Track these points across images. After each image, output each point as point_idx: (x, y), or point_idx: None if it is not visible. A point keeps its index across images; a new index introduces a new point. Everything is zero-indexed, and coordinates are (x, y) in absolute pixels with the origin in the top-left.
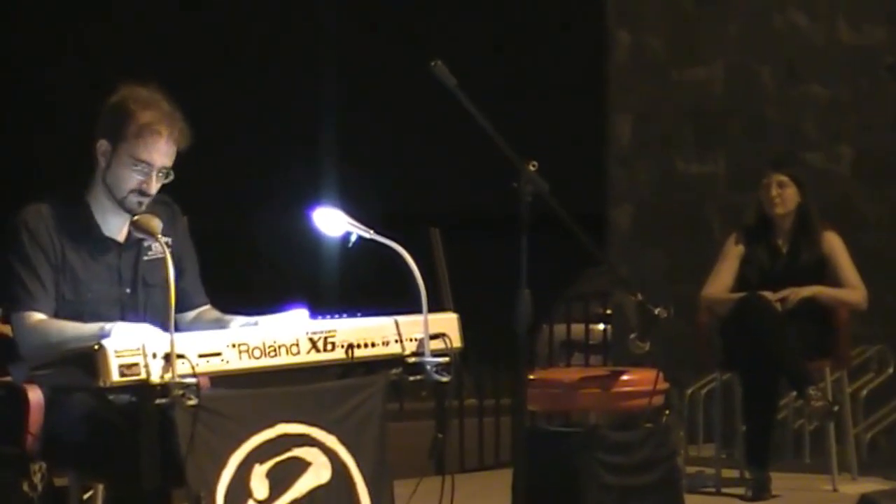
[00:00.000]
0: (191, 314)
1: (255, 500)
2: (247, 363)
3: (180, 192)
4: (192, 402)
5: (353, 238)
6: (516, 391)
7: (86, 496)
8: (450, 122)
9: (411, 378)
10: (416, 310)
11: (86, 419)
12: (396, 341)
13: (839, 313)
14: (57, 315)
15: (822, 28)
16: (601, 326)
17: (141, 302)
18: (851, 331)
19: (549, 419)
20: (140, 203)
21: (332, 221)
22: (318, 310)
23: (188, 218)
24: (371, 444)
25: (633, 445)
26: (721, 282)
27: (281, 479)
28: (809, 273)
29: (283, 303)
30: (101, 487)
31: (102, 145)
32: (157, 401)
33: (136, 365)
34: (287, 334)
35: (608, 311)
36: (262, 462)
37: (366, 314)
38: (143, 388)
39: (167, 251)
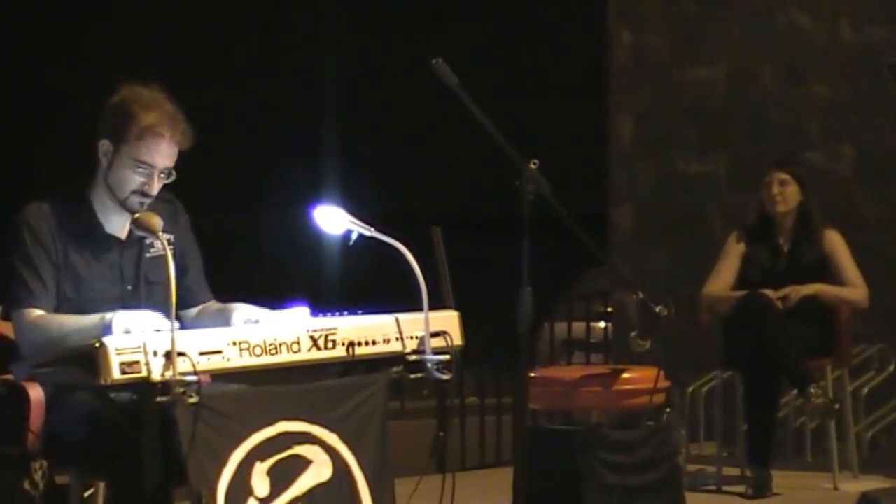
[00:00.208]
0: (194, 310)
1: (256, 497)
2: (248, 361)
3: (181, 191)
4: (193, 399)
5: (354, 236)
6: (517, 389)
7: (86, 494)
8: (451, 121)
9: (412, 376)
10: (416, 307)
11: (87, 417)
12: (397, 339)
13: (840, 312)
14: (58, 313)
15: (824, 28)
16: (602, 325)
17: (143, 299)
18: (852, 329)
19: (551, 417)
20: (142, 203)
21: (332, 219)
22: (319, 307)
23: (189, 216)
24: (372, 442)
25: (634, 444)
26: (722, 280)
27: (282, 476)
28: (810, 271)
29: (284, 301)
30: (101, 485)
31: (104, 145)
32: (158, 399)
33: (136, 363)
34: (288, 332)
35: (609, 310)
36: (263, 460)
37: (367, 312)
38: (144, 386)
39: (168, 248)
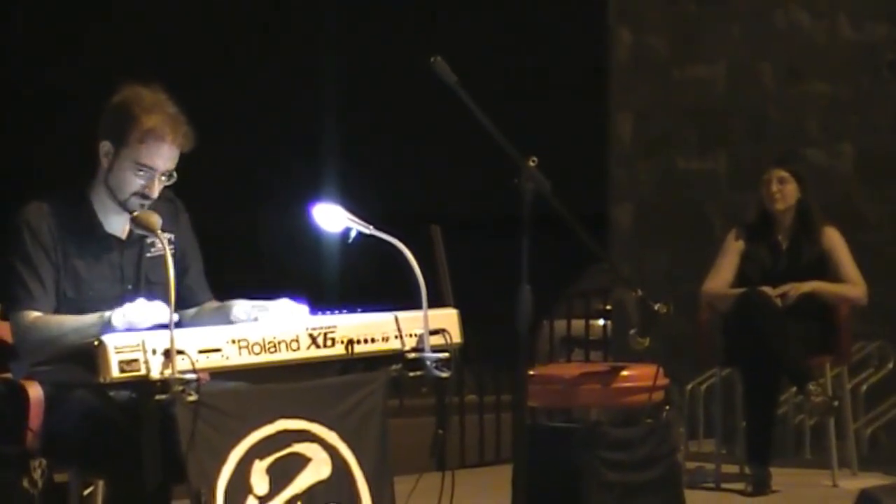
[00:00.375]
0: (192, 310)
1: (256, 495)
2: (247, 359)
3: (181, 190)
4: (193, 397)
5: (353, 234)
6: (517, 387)
7: (86, 492)
8: (450, 121)
9: (411, 374)
10: (415, 305)
11: (86, 416)
12: (396, 337)
13: (839, 309)
14: (58, 313)
15: (824, 26)
16: (601, 322)
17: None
18: (852, 327)
19: (550, 415)
20: (142, 205)
21: (331, 217)
22: (318, 305)
23: (189, 215)
24: (371, 440)
25: (633, 442)
26: (721, 277)
27: (281, 474)
28: (810, 269)
29: (282, 298)
30: (101, 484)
31: (105, 146)
32: (158, 397)
33: (135, 361)
34: (287, 330)
35: (608, 308)
36: (262, 458)
37: (366, 310)
38: (144, 384)
39: (167, 248)
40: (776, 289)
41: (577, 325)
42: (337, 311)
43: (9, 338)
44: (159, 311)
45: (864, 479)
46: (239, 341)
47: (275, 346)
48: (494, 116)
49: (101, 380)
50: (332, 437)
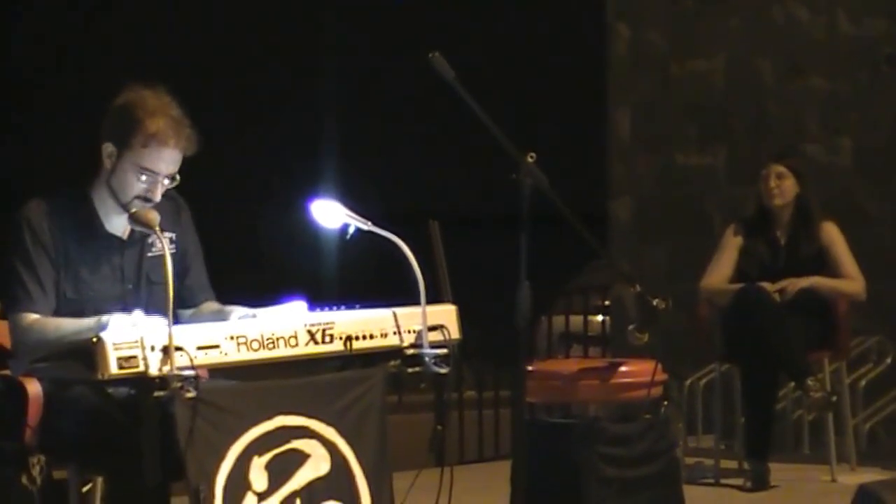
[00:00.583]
0: (189, 311)
1: (255, 492)
2: (245, 355)
3: (181, 188)
4: (191, 394)
5: (352, 230)
6: (515, 383)
7: (85, 489)
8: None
9: (410, 370)
10: (414, 301)
11: (84, 412)
12: (395, 333)
13: (838, 304)
14: (58, 314)
15: (823, 21)
16: (600, 318)
17: (144, 299)
18: (850, 322)
19: (549, 411)
20: (144, 208)
21: (330, 213)
22: (316, 302)
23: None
24: (370, 436)
25: (632, 438)
26: (720, 273)
27: (280, 471)
28: (808, 264)
29: (281, 295)
30: (100, 480)
31: (108, 148)
32: (156, 393)
33: (134, 357)
34: (285, 326)
35: (607, 303)
36: (261, 454)
37: (364, 306)
38: (142, 381)
39: (166, 246)
40: (775, 284)
41: (576, 320)
42: (335, 308)
43: (6, 338)
44: (154, 325)
45: (863, 475)
46: (237, 338)
47: (273, 342)
48: (492, 112)
49: (100, 376)
50: (330, 434)
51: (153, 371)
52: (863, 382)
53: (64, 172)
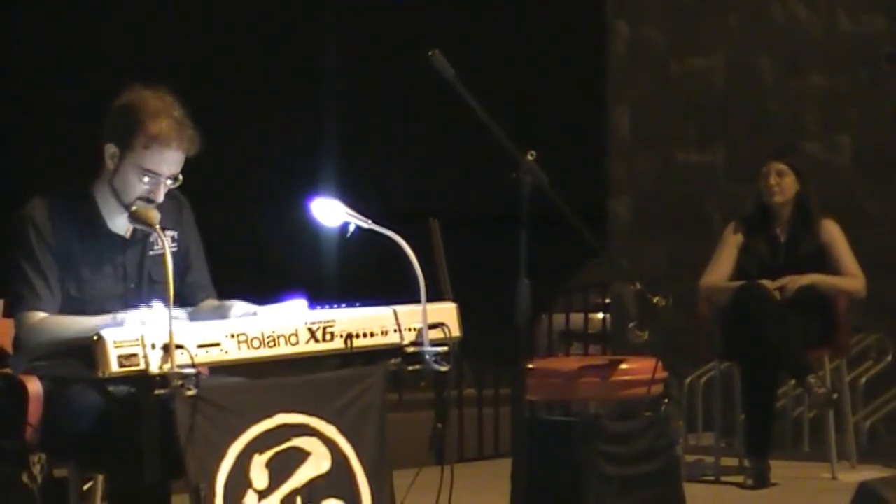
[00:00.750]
0: (189, 309)
1: (255, 490)
2: (246, 353)
3: (181, 187)
4: (192, 392)
5: (352, 228)
6: (516, 381)
7: (85, 487)
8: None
9: (410, 368)
10: (414, 299)
11: (85, 410)
12: (395, 331)
13: (838, 301)
14: (61, 312)
15: (822, 19)
16: (600, 316)
17: (146, 298)
18: (850, 319)
19: (549, 409)
20: (145, 206)
21: (330, 212)
22: (316, 300)
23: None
24: (370, 434)
25: (632, 435)
26: (720, 270)
27: (281, 469)
28: (808, 262)
29: (282, 294)
30: (100, 478)
31: (110, 149)
32: (157, 391)
33: (135, 356)
34: (286, 324)
35: (607, 301)
36: (261, 452)
37: (364, 304)
38: (143, 379)
39: (167, 244)
40: (775, 282)
41: (577, 318)
42: (336, 306)
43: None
44: (177, 317)
45: (863, 472)
46: (238, 336)
47: (274, 340)
48: (492, 110)
49: (101, 374)
50: (331, 432)
51: (154, 369)
52: (863, 380)
53: (64, 172)
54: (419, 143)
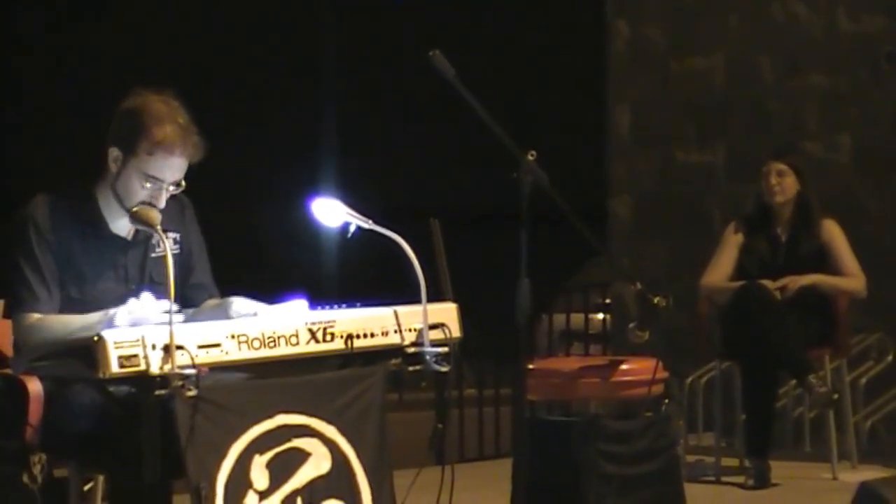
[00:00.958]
0: (191, 309)
1: (256, 490)
2: (246, 354)
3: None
4: (192, 393)
5: (352, 228)
6: (516, 381)
7: (86, 488)
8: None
9: (411, 368)
10: (415, 300)
11: (85, 411)
12: (396, 331)
13: (839, 301)
14: (62, 313)
15: (822, 18)
16: (601, 316)
17: None
18: (851, 319)
19: (549, 409)
20: (146, 207)
21: (330, 212)
22: (317, 300)
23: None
24: (371, 434)
25: (633, 435)
26: (720, 270)
27: (281, 469)
28: (809, 262)
29: (282, 294)
30: (101, 479)
31: (114, 152)
32: (157, 392)
33: (135, 356)
34: (286, 325)
35: (608, 301)
36: (262, 453)
37: (365, 304)
38: (143, 380)
39: (167, 245)
40: (775, 282)
41: (577, 318)
42: (336, 306)
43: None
44: (164, 308)
45: (864, 472)
46: (238, 336)
47: (274, 341)
48: (492, 109)
49: (101, 375)
50: (331, 432)
51: (154, 370)
52: (864, 380)
53: (64, 172)
54: (419, 142)
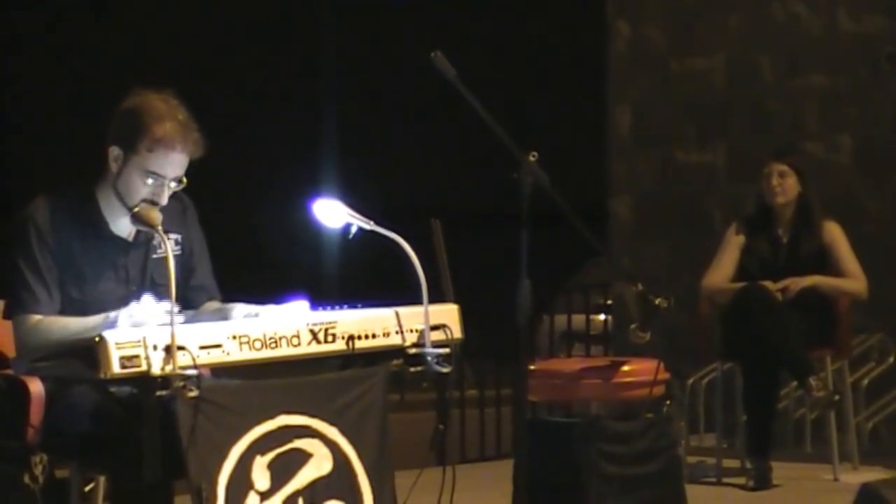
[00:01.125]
0: (192, 311)
1: (257, 491)
2: (248, 355)
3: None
4: (193, 393)
5: (354, 229)
6: (517, 382)
7: (87, 488)
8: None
9: (412, 369)
10: (416, 301)
11: (87, 411)
12: (397, 332)
13: (840, 303)
14: (62, 314)
15: (822, 18)
16: (602, 317)
17: None
18: (852, 320)
19: (551, 410)
20: (147, 207)
21: (332, 213)
22: (318, 301)
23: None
24: (372, 435)
25: (633, 436)
26: (722, 271)
27: (282, 470)
28: (810, 263)
29: (283, 294)
30: (102, 479)
31: (114, 151)
32: (158, 393)
33: (136, 357)
34: (288, 326)
35: (609, 302)
36: (263, 453)
37: (366, 305)
38: (144, 380)
39: (168, 246)
40: (776, 283)
41: (578, 319)
42: (337, 307)
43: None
44: (165, 310)
45: (865, 473)
46: (240, 337)
47: (275, 341)
48: (493, 109)
49: (102, 375)
50: (332, 433)
51: (155, 370)
52: (865, 381)
53: (64, 172)
54: (420, 142)
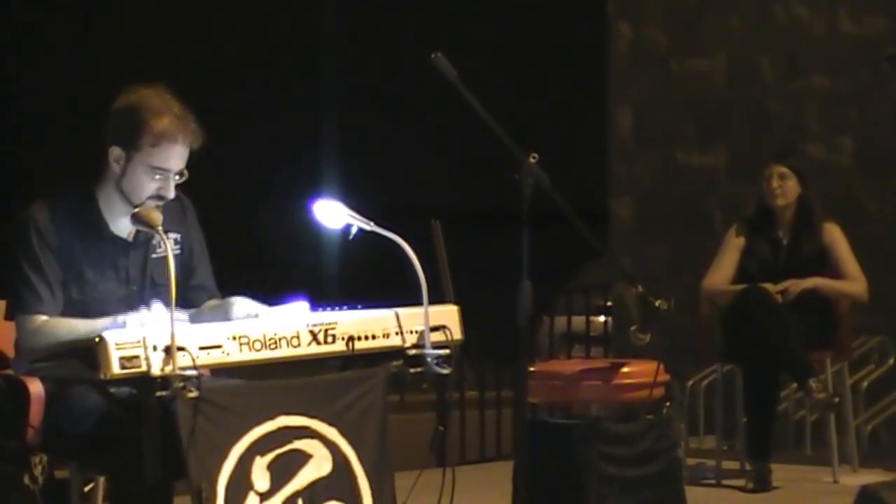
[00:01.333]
0: (192, 310)
1: (257, 492)
2: (247, 355)
3: (182, 187)
4: (193, 394)
5: (354, 230)
6: (517, 383)
7: (87, 489)
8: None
9: (412, 370)
10: (416, 302)
11: (87, 412)
12: (397, 333)
13: (840, 305)
14: (63, 315)
15: (823, 19)
16: (602, 318)
17: (147, 300)
18: (852, 322)
19: (550, 411)
20: (158, 207)
21: (332, 214)
22: (318, 302)
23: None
24: (372, 436)
25: (633, 437)
26: (722, 273)
27: (282, 471)
28: (810, 265)
29: (283, 295)
30: (101, 480)
31: (115, 151)
32: (158, 393)
33: (136, 357)
34: (288, 326)
35: (609, 303)
36: (263, 454)
37: (366, 306)
38: (144, 381)
39: (168, 246)
40: (777, 285)
41: (578, 321)
42: (337, 308)
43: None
44: (178, 318)
45: (865, 476)
46: (240, 338)
47: (275, 342)
48: (494, 110)
49: (102, 376)
50: (332, 434)
51: (155, 371)
52: (865, 383)
53: (64, 172)
54: (420, 143)
